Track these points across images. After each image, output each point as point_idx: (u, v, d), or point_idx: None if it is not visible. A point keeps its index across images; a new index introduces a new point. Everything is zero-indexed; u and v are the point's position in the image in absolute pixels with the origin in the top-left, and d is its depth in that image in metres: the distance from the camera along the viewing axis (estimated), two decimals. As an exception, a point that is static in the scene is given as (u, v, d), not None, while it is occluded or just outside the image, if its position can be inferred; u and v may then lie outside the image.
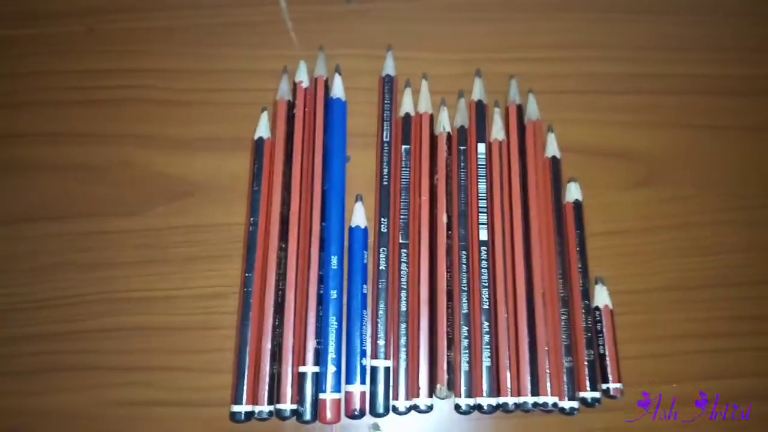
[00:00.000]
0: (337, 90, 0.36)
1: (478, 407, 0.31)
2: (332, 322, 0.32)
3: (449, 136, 0.35)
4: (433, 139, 0.35)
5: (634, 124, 0.37)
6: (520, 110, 0.36)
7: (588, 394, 0.32)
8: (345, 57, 0.37)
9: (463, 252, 0.33)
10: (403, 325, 0.32)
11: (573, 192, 0.35)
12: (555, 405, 0.31)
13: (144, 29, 0.38)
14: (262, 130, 0.35)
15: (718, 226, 0.36)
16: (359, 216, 0.34)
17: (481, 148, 0.35)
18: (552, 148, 0.36)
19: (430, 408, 0.31)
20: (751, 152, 0.37)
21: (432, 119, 0.36)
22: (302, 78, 0.36)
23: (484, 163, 0.35)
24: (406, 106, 0.36)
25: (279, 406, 0.31)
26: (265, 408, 0.31)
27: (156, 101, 0.37)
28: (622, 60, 0.38)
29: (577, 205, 0.34)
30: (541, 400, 0.31)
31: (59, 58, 0.38)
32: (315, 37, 0.38)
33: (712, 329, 0.34)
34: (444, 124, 0.35)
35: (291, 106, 0.36)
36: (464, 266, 0.33)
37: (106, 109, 0.37)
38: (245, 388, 0.31)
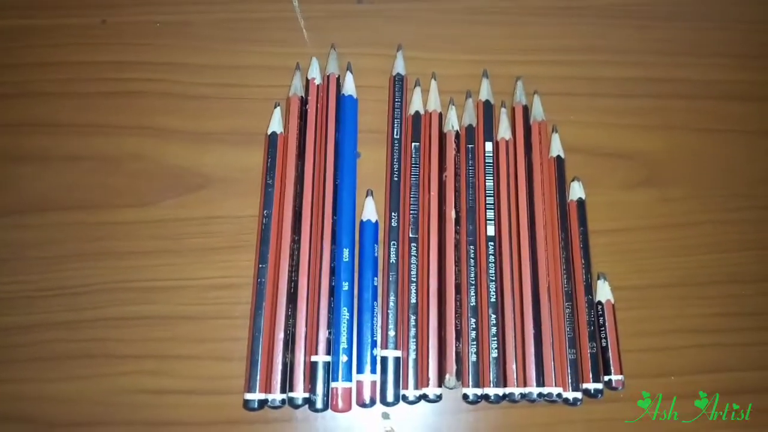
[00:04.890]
0: (349, 87, 0.37)
1: (485, 397, 0.32)
2: (344, 312, 0.32)
3: (457, 135, 0.36)
4: (442, 137, 0.36)
5: (637, 126, 0.39)
6: (526, 111, 0.37)
7: (591, 386, 0.33)
8: (356, 55, 0.38)
9: (471, 247, 0.34)
10: (412, 317, 0.33)
11: (576, 190, 0.36)
12: (559, 395, 0.32)
13: (158, 23, 0.39)
14: (275, 125, 0.35)
15: (717, 225, 0.37)
16: (370, 210, 0.35)
17: (489, 146, 0.36)
18: (556, 148, 0.37)
19: (438, 397, 0.32)
20: (750, 155, 0.39)
21: (441, 118, 0.37)
22: (315, 75, 0.37)
23: (492, 161, 0.36)
24: (416, 104, 0.37)
25: (291, 394, 0.31)
26: (278, 396, 0.31)
27: (169, 94, 0.37)
28: (627, 64, 0.40)
29: (581, 203, 0.36)
30: (546, 390, 0.32)
31: (73, 50, 0.38)
32: (326, 36, 0.39)
33: (711, 325, 0.35)
34: (452, 123, 0.36)
35: (303, 102, 0.36)
36: (472, 260, 0.34)
37: (119, 100, 0.37)
38: (258, 376, 0.31)
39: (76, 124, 0.37)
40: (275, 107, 0.36)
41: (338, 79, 0.37)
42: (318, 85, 0.37)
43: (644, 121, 0.39)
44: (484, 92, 0.37)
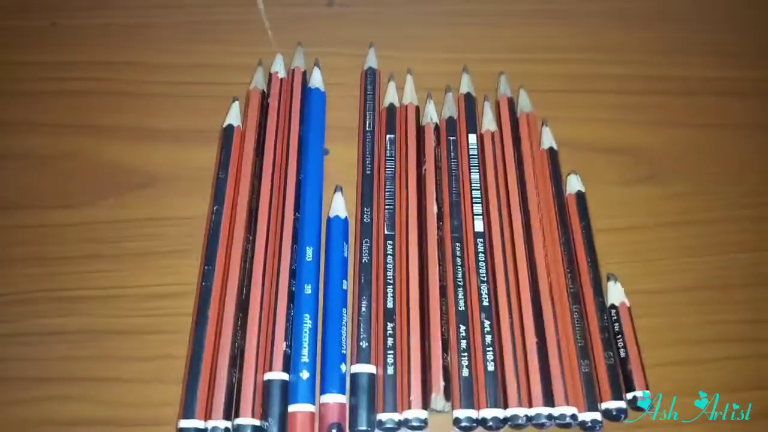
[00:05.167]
0: (316, 80, 0.33)
1: (482, 421, 0.26)
2: (306, 320, 0.27)
3: (437, 127, 0.33)
4: (420, 130, 0.33)
5: (638, 122, 0.35)
6: (512, 103, 0.34)
7: (612, 404, 0.26)
8: (325, 54, 0.35)
9: (457, 244, 0.29)
10: (389, 325, 0.27)
11: (574, 184, 0.32)
12: (574, 417, 0.26)
13: (113, 25, 0.37)
14: (233, 118, 0.32)
15: (728, 223, 0.33)
16: (339, 206, 0.30)
17: (472, 138, 0.32)
18: (548, 140, 0.33)
19: (423, 423, 0.25)
20: (757, 150, 0.35)
21: (418, 111, 0.33)
22: (278, 69, 0.34)
23: (476, 153, 0.32)
24: (390, 96, 0.33)
25: (238, 421, 0.25)
26: (221, 423, 0.25)
27: (118, 93, 0.35)
28: (628, 63, 0.38)
29: (580, 196, 0.31)
30: (556, 411, 0.26)
31: (19, 50, 0.36)
32: (294, 37, 0.36)
33: (740, 333, 0.30)
34: (431, 115, 0.33)
35: (265, 96, 0.33)
36: (459, 259, 0.29)
37: (66, 100, 0.34)
38: (197, 399, 0.25)
39: (7, 123, 0.33)
40: (233, 101, 0.32)
41: (305, 74, 0.34)
42: (282, 79, 0.33)
43: (641, 117, 0.36)
44: (465, 85, 0.34)
